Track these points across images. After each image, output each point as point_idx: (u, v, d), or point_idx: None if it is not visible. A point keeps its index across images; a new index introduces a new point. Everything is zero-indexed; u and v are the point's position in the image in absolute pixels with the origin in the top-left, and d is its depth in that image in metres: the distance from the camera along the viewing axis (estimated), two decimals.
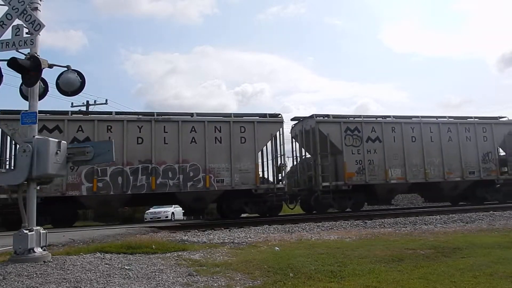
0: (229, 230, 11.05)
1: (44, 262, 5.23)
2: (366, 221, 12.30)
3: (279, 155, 17.14)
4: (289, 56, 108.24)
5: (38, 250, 5.40)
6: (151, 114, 15.71)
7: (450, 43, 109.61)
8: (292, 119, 19.72)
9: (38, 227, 5.48)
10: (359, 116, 18.62)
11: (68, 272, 4.81)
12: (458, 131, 19.37)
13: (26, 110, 5.77)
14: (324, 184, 17.23)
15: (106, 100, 30.80)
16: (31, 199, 5.53)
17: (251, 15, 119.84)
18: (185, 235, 9.69)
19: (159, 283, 4.46)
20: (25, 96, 6.01)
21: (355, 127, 17.91)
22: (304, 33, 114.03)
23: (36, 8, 5.99)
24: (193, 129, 15.74)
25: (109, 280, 4.50)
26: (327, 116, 18.10)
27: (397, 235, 8.68)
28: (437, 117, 19.95)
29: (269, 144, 17.23)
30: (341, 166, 17.65)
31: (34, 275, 4.55)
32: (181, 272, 5.03)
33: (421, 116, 19.39)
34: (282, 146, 17.20)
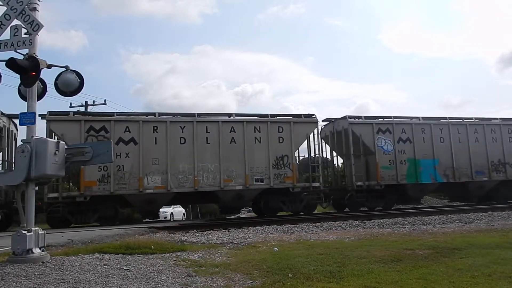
0: (228, 231, 11.10)
1: (43, 262, 5.21)
2: (365, 221, 12.35)
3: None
4: (289, 56, 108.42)
5: (37, 250, 5.38)
6: None
7: (450, 43, 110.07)
8: (42, 118, 15.12)
9: (36, 228, 5.48)
10: (111, 114, 15.54)
11: (66, 272, 4.80)
12: (245, 131, 16.29)
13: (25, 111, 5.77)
14: (51, 195, 14.30)
15: (105, 101, 30.76)
16: (29, 200, 5.52)
17: (251, 15, 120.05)
18: (184, 236, 9.71)
19: (157, 284, 4.45)
20: (23, 97, 6.00)
21: (101, 127, 14.93)
22: (304, 33, 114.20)
23: (34, 9, 5.98)
24: None
25: (108, 281, 4.49)
26: (66, 114, 15.28)
27: (396, 236, 8.69)
28: (229, 115, 16.86)
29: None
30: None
31: (33, 276, 4.54)
32: (180, 273, 5.03)
33: (197, 114, 16.27)
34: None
